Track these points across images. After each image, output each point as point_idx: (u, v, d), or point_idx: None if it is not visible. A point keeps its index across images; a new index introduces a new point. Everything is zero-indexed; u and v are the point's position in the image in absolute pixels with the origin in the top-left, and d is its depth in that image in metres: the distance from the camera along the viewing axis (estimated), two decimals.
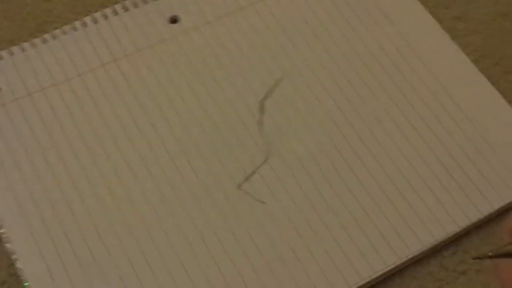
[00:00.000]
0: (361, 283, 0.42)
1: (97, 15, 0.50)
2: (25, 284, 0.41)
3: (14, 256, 0.42)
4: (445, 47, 0.50)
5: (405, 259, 0.42)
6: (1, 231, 0.43)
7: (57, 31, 0.50)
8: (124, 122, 0.47)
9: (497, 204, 0.44)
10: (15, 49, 0.49)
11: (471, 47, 0.51)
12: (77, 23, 0.50)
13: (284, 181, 0.45)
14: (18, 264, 0.42)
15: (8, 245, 0.42)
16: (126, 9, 0.51)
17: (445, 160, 0.46)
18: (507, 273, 0.35)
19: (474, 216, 0.44)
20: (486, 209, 0.44)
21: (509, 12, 0.53)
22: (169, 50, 0.49)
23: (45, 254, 0.42)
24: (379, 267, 0.42)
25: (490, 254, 0.35)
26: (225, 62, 0.49)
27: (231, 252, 0.42)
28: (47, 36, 0.50)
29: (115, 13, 0.51)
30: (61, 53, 0.49)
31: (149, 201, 0.44)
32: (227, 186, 0.45)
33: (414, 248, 0.43)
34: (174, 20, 0.51)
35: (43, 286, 0.41)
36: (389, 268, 0.42)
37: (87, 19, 0.50)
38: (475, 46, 0.51)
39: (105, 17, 0.50)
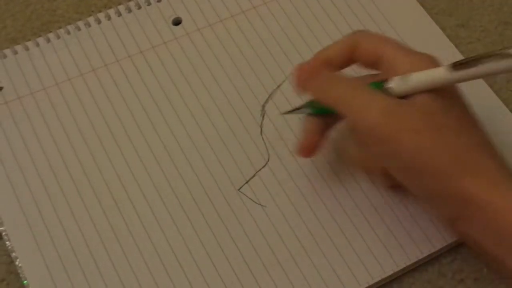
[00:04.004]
0: None
1: (101, 15, 0.51)
2: (24, 282, 0.41)
3: (14, 254, 0.42)
4: (448, 54, 0.50)
5: (404, 265, 0.42)
6: (2, 228, 0.43)
7: (61, 30, 0.50)
8: (125, 122, 0.47)
9: None
10: (18, 48, 0.49)
11: (473, 54, 0.51)
12: (81, 23, 0.50)
13: (284, 184, 0.45)
14: (18, 262, 0.42)
15: (8, 243, 0.43)
16: (129, 10, 0.51)
17: None
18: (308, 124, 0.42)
19: None
20: None
21: (511, 20, 0.53)
22: (171, 51, 0.49)
23: (44, 252, 0.42)
24: (378, 274, 0.42)
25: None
26: (227, 65, 0.49)
27: (229, 255, 0.43)
28: (50, 35, 0.50)
29: (118, 14, 0.51)
30: (64, 53, 0.49)
31: (148, 203, 0.44)
32: (227, 189, 0.45)
33: (413, 256, 0.43)
34: (176, 22, 0.51)
35: (42, 284, 0.41)
36: (387, 274, 0.42)
37: (91, 20, 0.50)
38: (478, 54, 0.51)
39: (109, 17, 0.50)
